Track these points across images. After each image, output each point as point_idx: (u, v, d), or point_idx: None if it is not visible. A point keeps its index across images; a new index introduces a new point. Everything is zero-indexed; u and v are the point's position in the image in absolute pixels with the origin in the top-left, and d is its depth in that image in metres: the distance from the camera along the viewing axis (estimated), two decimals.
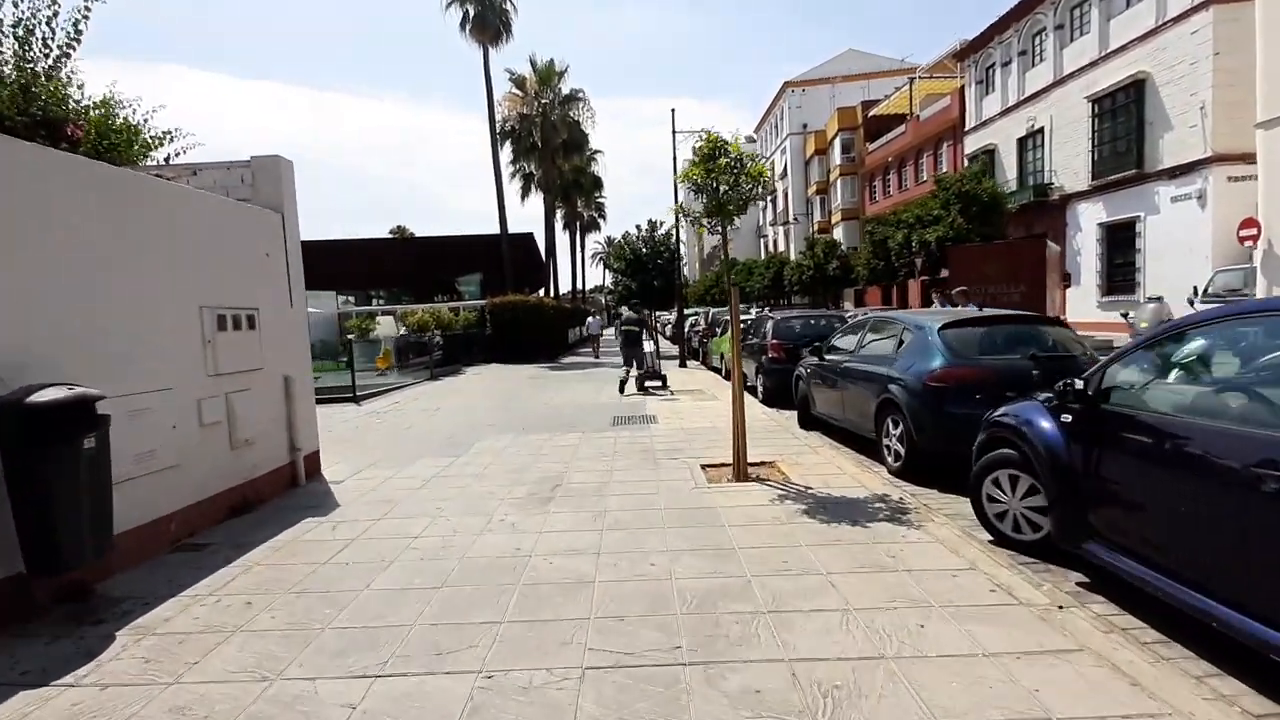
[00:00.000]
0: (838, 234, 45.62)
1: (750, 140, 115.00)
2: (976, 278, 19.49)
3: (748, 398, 11.79)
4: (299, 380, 6.28)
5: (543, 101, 30.03)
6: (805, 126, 53.32)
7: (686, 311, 33.28)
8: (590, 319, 24.56)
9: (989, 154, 28.97)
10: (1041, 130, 26.04)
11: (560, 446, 7.63)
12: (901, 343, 6.27)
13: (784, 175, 57.84)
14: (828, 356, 7.97)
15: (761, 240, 69.85)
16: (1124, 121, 21.88)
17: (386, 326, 22.10)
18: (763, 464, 6.41)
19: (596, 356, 23.36)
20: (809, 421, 8.62)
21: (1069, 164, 24.53)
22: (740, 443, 5.85)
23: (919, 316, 6.34)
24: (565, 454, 7.20)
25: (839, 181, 45.90)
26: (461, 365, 20.90)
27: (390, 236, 42.54)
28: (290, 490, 6.00)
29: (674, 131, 18.78)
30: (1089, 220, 23.45)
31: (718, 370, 17.11)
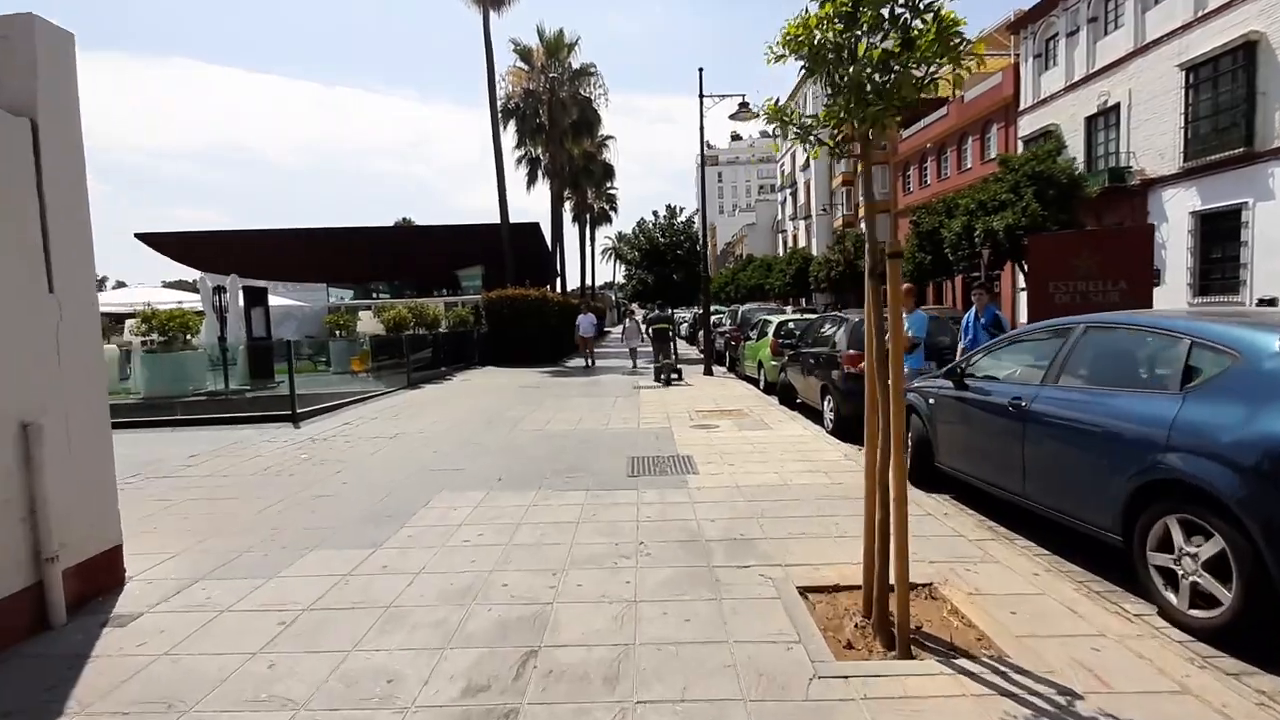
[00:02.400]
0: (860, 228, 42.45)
1: (765, 134, 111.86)
2: (1062, 272, 16.39)
3: (811, 428, 8.36)
4: (61, 429, 3.41)
5: (550, 75, 27.14)
6: None
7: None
8: (580, 318, 18.60)
9: (1049, 135, 25.77)
10: (1116, 106, 22.85)
11: (549, 526, 4.72)
12: (1194, 373, 3.30)
13: (805, 166, 54.68)
14: (976, 383, 5.03)
15: (780, 236, 66.74)
16: (1228, 92, 18.69)
17: (368, 323, 19.32)
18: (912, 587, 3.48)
19: (590, 365, 18.54)
20: (928, 476, 5.68)
21: (1151, 144, 21.36)
22: (893, 562, 2.95)
23: (1235, 326, 3.35)
24: (556, 546, 4.29)
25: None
26: (451, 369, 18.07)
27: (388, 225, 39.77)
28: (18, 646, 3.13)
29: (701, 96, 15.85)
30: (1178, 208, 20.28)
31: (753, 380, 14.16)
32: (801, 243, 55.34)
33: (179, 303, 18.13)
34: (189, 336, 14.66)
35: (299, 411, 10.04)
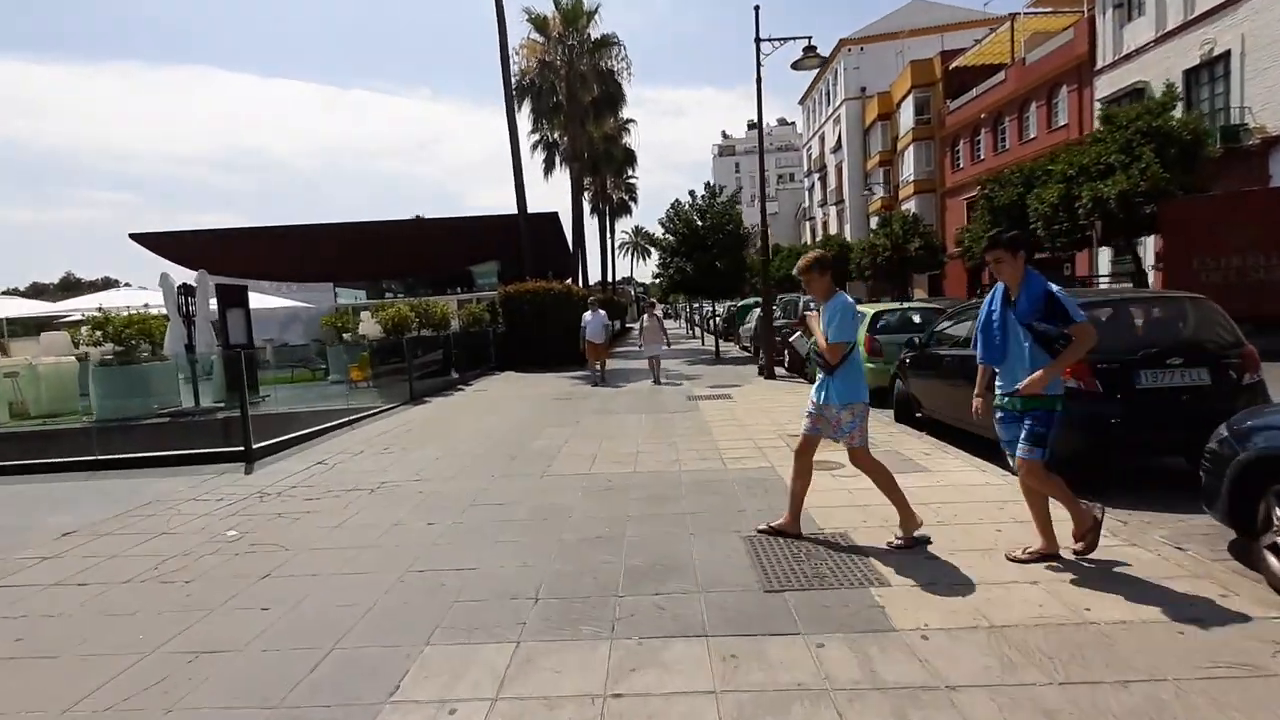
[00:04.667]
0: (907, 210, 39.36)
1: (783, 122, 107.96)
2: (1211, 245, 13.45)
3: (986, 469, 4.31)
4: None
5: (569, 44, 24.45)
6: (864, 90, 46.93)
7: (744, 303, 27.57)
8: (588, 316, 13.98)
9: (1136, 94, 22.58)
10: (1225, 56, 19.69)
11: None
12: None
13: (837, 148, 51.53)
14: None
15: (808, 224, 63.57)
16: None
17: (369, 325, 16.83)
18: None
19: (599, 373, 13.77)
20: None
21: (1275, 96, 18.21)
22: None
23: None
24: None
25: (909, 149, 39.54)
26: (464, 375, 15.53)
27: (397, 220, 37.35)
28: None
29: (758, 41, 13.09)
30: None
31: None
32: (833, 229, 52.19)
33: (145, 305, 15.75)
34: (155, 346, 12.27)
35: (257, 447, 7.48)
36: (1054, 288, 3.46)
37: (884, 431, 7.50)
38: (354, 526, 4.83)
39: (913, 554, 3.85)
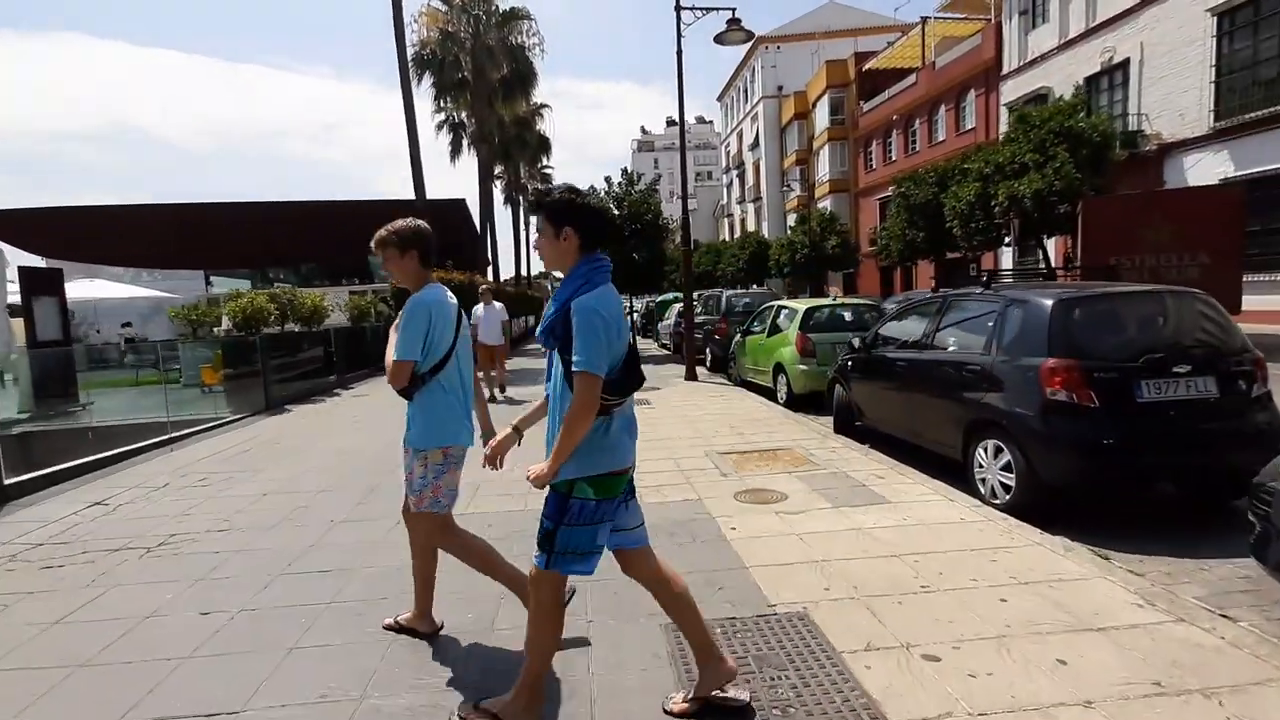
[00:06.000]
0: (824, 208, 39.66)
1: (701, 120, 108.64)
2: (1128, 244, 13.42)
3: (957, 498, 4.57)
4: None
5: (474, 15, 22.54)
6: (781, 89, 47.08)
7: (663, 298, 26.59)
8: (478, 309, 10.32)
9: (1039, 99, 23.15)
10: (1124, 64, 20.32)
11: None
12: None
13: (754, 145, 51.62)
14: None
15: (726, 220, 63.70)
16: (1271, 38, 16.23)
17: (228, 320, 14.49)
18: None
19: (496, 393, 10.50)
20: None
21: (1169, 104, 18.87)
22: None
23: None
24: None
25: (825, 149, 39.84)
26: (346, 377, 13.63)
27: (282, 201, 33.90)
28: None
29: (679, 9, 11.91)
30: (1205, 174, 17.80)
31: (764, 390, 10.40)
32: (751, 226, 52.31)
33: None
34: None
35: (25, 480, 5.58)
36: (587, 300, 2.00)
37: (825, 445, 6.46)
38: (83, 621, 3.20)
39: (905, 653, 2.69)
